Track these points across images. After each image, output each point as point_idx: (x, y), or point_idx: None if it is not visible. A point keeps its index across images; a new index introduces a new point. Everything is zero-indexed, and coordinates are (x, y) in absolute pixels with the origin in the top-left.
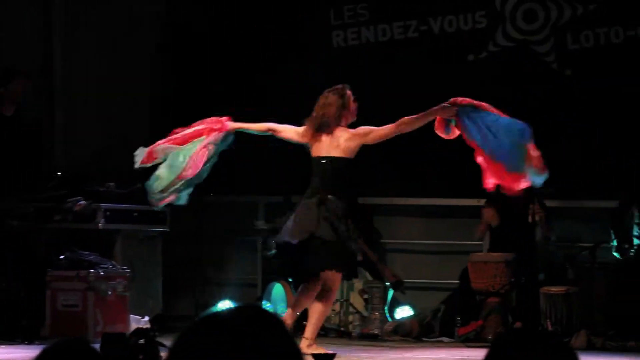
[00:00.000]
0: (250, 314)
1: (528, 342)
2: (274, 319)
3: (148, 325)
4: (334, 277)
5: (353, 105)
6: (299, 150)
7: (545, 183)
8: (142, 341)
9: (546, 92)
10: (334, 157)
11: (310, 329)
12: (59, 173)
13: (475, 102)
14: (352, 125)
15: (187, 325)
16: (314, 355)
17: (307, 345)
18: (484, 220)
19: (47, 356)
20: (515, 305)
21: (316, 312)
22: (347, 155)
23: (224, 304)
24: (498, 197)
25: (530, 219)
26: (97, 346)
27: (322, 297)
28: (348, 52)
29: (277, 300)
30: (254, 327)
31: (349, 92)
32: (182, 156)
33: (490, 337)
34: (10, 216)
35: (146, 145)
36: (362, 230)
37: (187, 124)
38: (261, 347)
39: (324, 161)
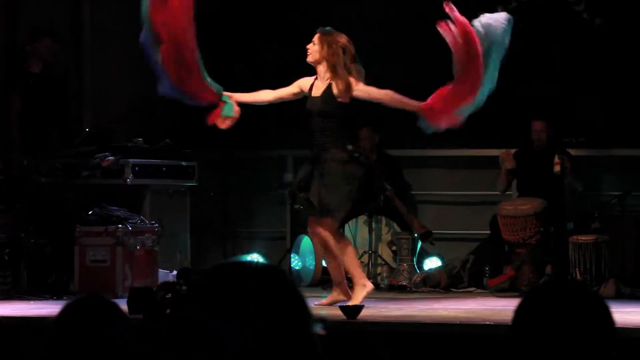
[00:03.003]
0: (254, 267)
1: (558, 292)
2: (276, 270)
3: (175, 280)
4: None
5: None
6: None
7: (574, 133)
8: (169, 295)
9: (576, 42)
10: None
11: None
12: (87, 129)
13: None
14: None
15: (204, 272)
16: (341, 307)
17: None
18: (502, 164)
19: (68, 312)
20: (544, 255)
21: None
22: None
23: (252, 257)
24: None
25: (556, 169)
26: (124, 301)
27: None
28: None
29: (305, 253)
30: (258, 278)
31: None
32: None
33: (523, 287)
34: (38, 172)
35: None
36: (392, 182)
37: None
38: (265, 297)
39: None
